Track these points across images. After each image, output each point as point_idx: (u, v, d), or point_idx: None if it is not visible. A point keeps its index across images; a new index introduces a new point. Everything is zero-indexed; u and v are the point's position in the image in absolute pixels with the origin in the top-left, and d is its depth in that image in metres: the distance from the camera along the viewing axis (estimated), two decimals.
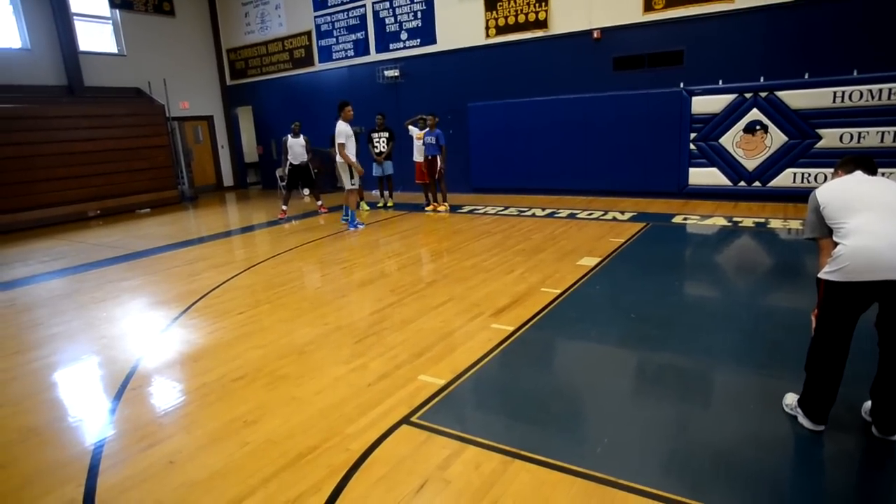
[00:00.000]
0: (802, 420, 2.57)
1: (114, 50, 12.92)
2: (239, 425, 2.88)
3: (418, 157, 9.61)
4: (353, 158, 8.07)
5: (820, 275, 2.45)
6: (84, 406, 3.27)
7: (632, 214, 8.03)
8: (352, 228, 8.23)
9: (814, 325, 2.53)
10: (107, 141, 11.53)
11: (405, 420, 2.82)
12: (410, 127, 9.83)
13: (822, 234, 2.55)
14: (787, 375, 2.94)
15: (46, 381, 3.64)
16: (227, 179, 15.64)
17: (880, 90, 7.27)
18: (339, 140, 7.99)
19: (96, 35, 12.69)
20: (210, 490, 2.35)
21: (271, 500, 2.27)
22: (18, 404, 3.30)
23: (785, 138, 7.99)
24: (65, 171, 10.90)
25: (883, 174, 7.20)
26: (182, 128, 14.22)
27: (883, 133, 7.35)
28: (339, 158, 8.14)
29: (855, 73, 7.44)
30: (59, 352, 4.14)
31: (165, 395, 3.33)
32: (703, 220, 7.40)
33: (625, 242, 6.37)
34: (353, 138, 8.12)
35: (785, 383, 2.87)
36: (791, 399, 2.68)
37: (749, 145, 8.27)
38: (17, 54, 11.21)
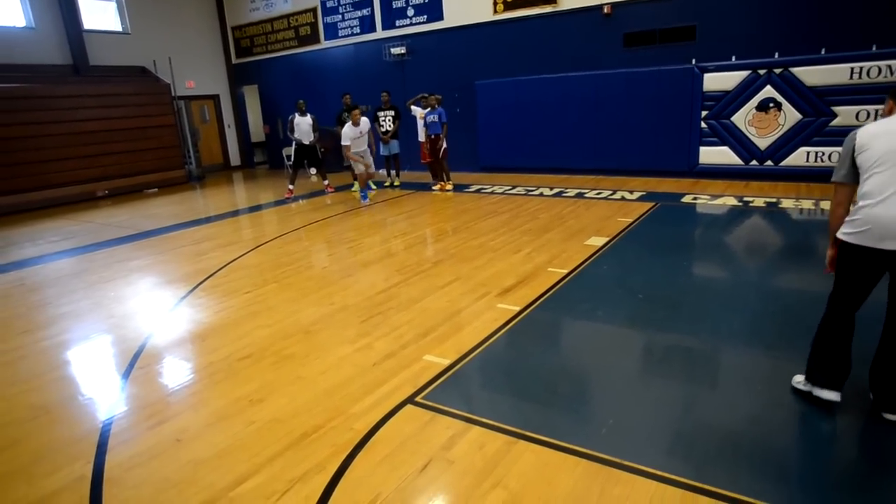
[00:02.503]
0: (818, 392, 2.49)
1: (118, 28, 12.82)
2: (245, 404, 2.90)
3: (422, 136, 9.52)
4: (358, 155, 8.69)
5: (838, 234, 2.34)
6: (93, 384, 3.30)
7: (641, 194, 7.94)
8: (365, 201, 8.75)
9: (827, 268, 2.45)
10: (113, 121, 11.50)
11: (410, 400, 2.82)
12: (413, 107, 9.70)
13: (849, 179, 2.32)
14: (796, 357, 2.90)
15: (56, 360, 3.68)
16: (234, 159, 15.60)
17: None
18: (343, 142, 8.45)
19: (100, 13, 12.57)
20: (216, 468, 2.37)
21: (276, 478, 2.28)
22: (28, 382, 3.33)
23: (799, 116, 7.83)
24: (72, 151, 10.91)
25: None
26: (188, 107, 14.15)
27: None
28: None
29: (874, 49, 7.24)
30: (68, 331, 4.17)
31: (173, 373, 3.36)
32: (713, 200, 7.31)
33: (633, 222, 6.30)
34: (361, 138, 8.60)
35: (793, 364, 2.83)
36: (800, 377, 2.65)
37: (762, 123, 8.12)
38: (21, 33, 11.15)
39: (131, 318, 4.35)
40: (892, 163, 2.15)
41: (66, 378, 3.41)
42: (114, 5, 12.74)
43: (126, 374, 3.35)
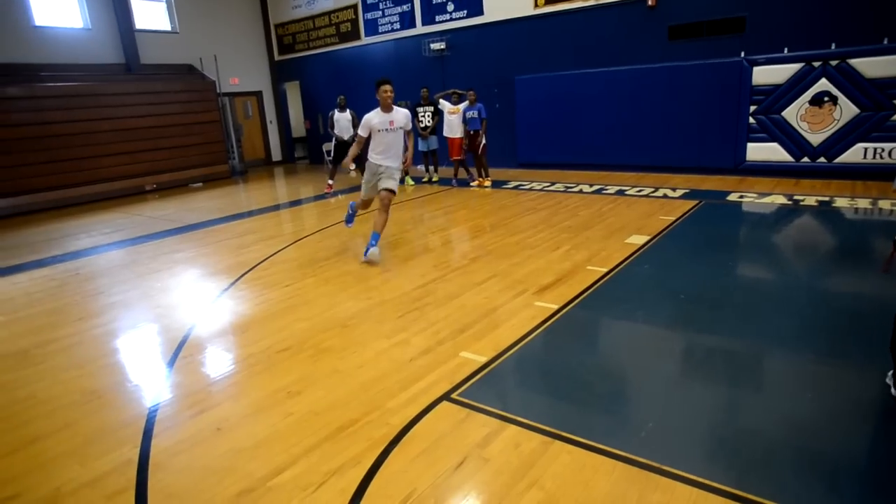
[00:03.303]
0: None
1: (167, 28, 13.23)
2: (283, 396, 2.95)
3: (449, 132, 9.43)
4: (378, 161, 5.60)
5: None
6: (140, 372, 3.42)
7: (684, 191, 7.72)
8: (349, 225, 6.42)
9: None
10: (161, 117, 11.89)
11: (445, 396, 2.82)
12: (442, 101, 9.58)
13: None
14: (849, 364, 2.77)
15: (107, 347, 3.83)
16: (276, 154, 15.93)
17: None
18: (360, 132, 5.46)
19: (151, 13, 13.01)
20: (255, 457, 2.42)
21: (313, 469, 2.31)
22: (82, 367, 3.48)
23: (856, 110, 7.46)
24: (123, 147, 11.35)
25: None
26: (232, 103, 14.51)
27: None
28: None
29: None
30: (118, 319, 4.34)
31: (215, 363, 3.45)
32: (760, 199, 7.04)
33: (676, 220, 6.13)
34: (390, 134, 6.05)
35: (846, 372, 2.70)
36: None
37: (815, 118, 7.77)
38: (78, 34, 11.64)
39: (176, 309, 4.49)
40: None
41: (116, 364, 3.55)
42: (164, 5, 13.17)
43: (171, 363, 3.46)
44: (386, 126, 5.28)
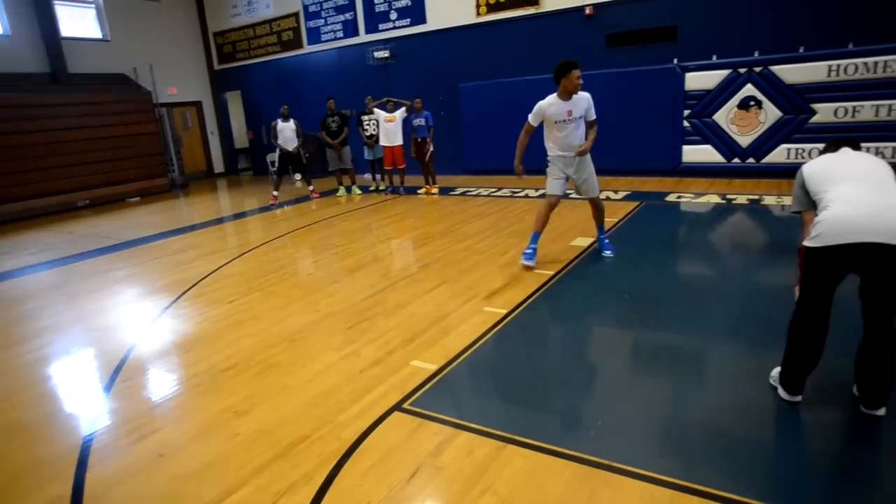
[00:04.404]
0: (780, 392, 2.60)
1: (98, 35, 12.66)
2: (229, 416, 2.85)
3: (386, 141, 9.37)
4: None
5: (802, 244, 2.46)
6: (73, 400, 3.23)
7: (625, 193, 7.98)
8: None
9: (797, 296, 2.53)
10: (94, 129, 11.34)
11: (397, 407, 2.79)
12: (377, 110, 9.47)
13: (806, 207, 2.61)
14: (781, 351, 2.91)
15: (37, 375, 3.60)
16: (218, 166, 15.47)
17: (876, 63, 7.18)
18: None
19: (79, 20, 12.42)
20: (201, 482, 2.33)
21: (262, 490, 2.24)
22: (8, 399, 3.26)
23: (779, 114, 7.92)
24: (52, 161, 10.73)
25: (877, 149, 7.18)
26: (170, 114, 14.02)
27: (878, 107, 7.28)
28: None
29: (850, 46, 7.34)
30: (48, 344, 4.09)
31: (155, 386, 3.30)
32: (697, 198, 7.36)
33: (619, 222, 6.33)
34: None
35: (779, 359, 2.84)
36: (776, 372, 2.69)
37: (743, 121, 8.20)
38: None
39: (113, 331, 4.27)
40: (833, 180, 2.44)
41: (47, 394, 3.34)
42: (93, 12, 12.59)
43: (108, 388, 3.29)
44: (564, 117, 4.76)
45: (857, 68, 7.29)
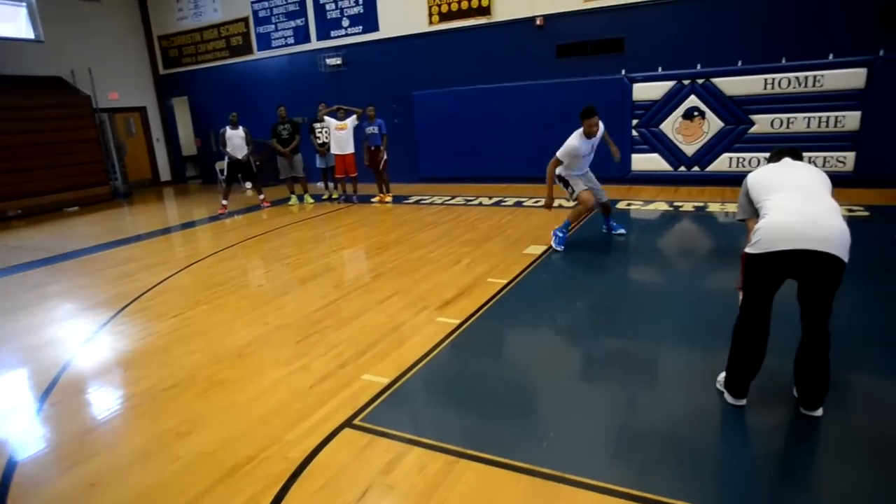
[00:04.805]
0: (726, 396, 2.67)
1: (30, 36, 12.01)
2: (170, 438, 2.71)
3: (337, 149, 9.24)
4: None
5: (744, 250, 2.54)
6: None
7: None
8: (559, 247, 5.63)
9: (740, 299, 2.61)
10: (25, 135, 10.73)
11: (347, 423, 2.72)
12: (327, 118, 9.34)
13: (750, 215, 2.70)
14: (726, 356, 2.99)
15: None
16: (164, 174, 14.93)
17: (806, 77, 7.57)
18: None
19: (8, 20, 11.75)
20: None
21: None
22: None
23: (721, 124, 8.24)
24: None
25: (810, 159, 7.56)
26: (112, 120, 13.43)
27: (809, 119, 7.67)
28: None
29: (783, 61, 7.72)
30: None
31: (89, 409, 3.11)
32: (646, 206, 7.55)
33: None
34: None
35: (725, 363, 2.91)
36: (722, 377, 2.75)
37: (688, 131, 8.49)
38: None
39: (44, 349, 4.01)
40: (773, 189, 2.53)
41: None
42: (23, 11, 11.94)
43: (37, 412, 3.07)
44: (588, 151, 5.73)
45: (790, 82, 7.68)
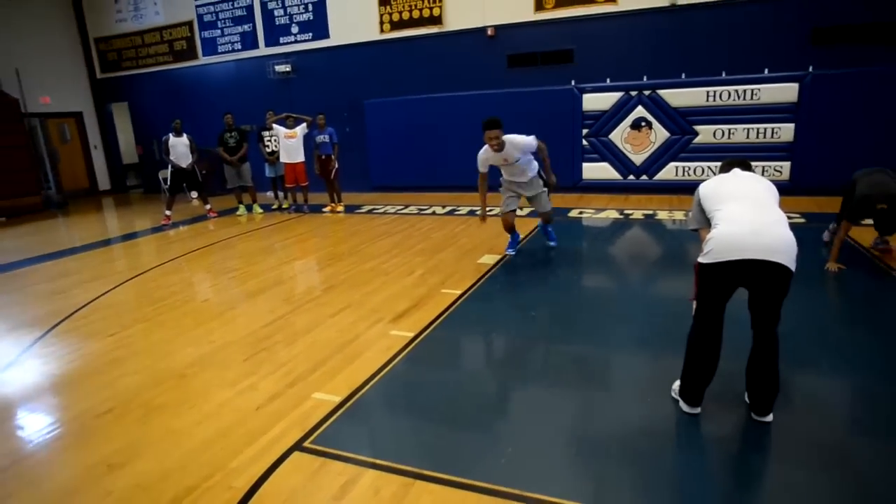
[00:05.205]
0: (681, 405, 2.68)
1: None
2: (101, 471, 2.50)
3: (287, 157, 9.03)
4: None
5: (697, 260, 2.57)
6: None
7: (530, 210, 8.12)
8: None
9: (694, 309, 2.63)
10: None
11: (297, 446, 2.58)
12: (276, 126, 9.12)
13: (703, 225, 2.75)
14: (680, 363, 3.01)
15: None
16: (103, 183, 14.22)
17: (745, 90, 7.91)
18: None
19: None
20: None
21: None
22: None
23: (667, 134, 8.49)
24: None
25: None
26: (44, 126, 12.69)
27: (748, 130, 8.00)
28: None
29: (723, 75, 8.03)
30: None
31: (7, 442, 2.84)
32: (597, 214, 7.68)
33: (524, 238, 6.44)
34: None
35: (679, 371, 2.94)
36: (677, 385, 2.77)
37: (636, 141, 8.71)
38: None
39: None
40: (723, 199, 2.58)
41: None
42: None
43: None
44: (501, 161, 5.37)
45: (730, 94, 8.00)
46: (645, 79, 8.49)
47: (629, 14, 8.56)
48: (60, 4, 13.03)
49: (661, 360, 3.26)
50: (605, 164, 9.01)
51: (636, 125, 8.63)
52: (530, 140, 5.29)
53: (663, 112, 8.43)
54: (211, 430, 2.79)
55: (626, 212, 7.66)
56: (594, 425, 2.67)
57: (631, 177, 8.89)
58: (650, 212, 7.55)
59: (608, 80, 8.76)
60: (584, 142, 9.05)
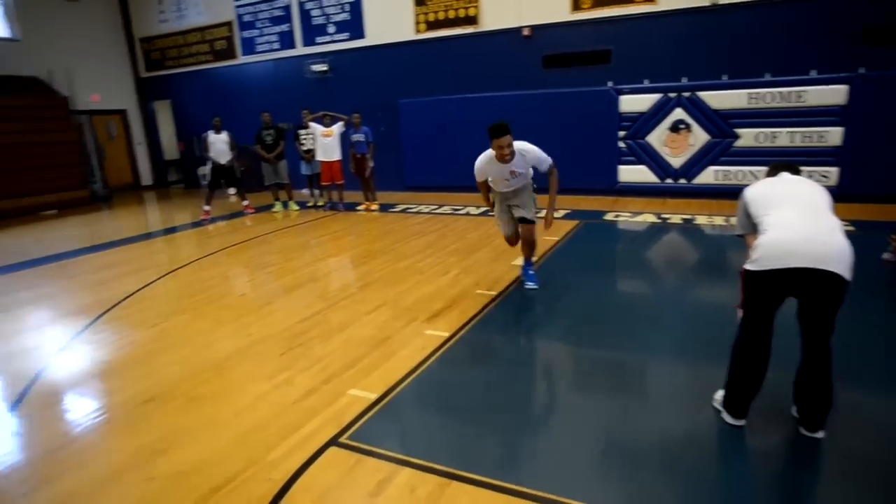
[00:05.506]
0: (725, 416, 2.60)
1: (5, 35, 11.71)
2: (146, 456, 2.58)
3: (323, 156, 9.15)
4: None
5: (744, 267, 2.48)
6: None
7: (565, 212, 8.08)
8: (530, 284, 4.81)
9: (739, 317, 2.55)
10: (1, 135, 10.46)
11: (333, 441, 2.61)
12: (313, 124, 9.23)
13: (749, 230, 2.65)
14: (722, 372, 2.94)
15: None
16: (146, 178, 14.66)
17: (789, 93, 7.66)
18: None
19: None
20: None
21: None
22: None
23: (707, 137, 8.30)
24: None
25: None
26: (92, 123, 13.15)
27: (793, 133, 7.75)
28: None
29: (767, 77, 7.80)
30: None
31: (59, 423, 2.96)
32: (633, 217, 7.55)
33: (559, 241, 6.38)
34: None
35: (720, 380, 2.87)
36: (720, 395, 2.69)
37: (675, 143, 8.53)
38: None
39: (14, 360, 3.84)
40: (773, 205, 2.48)
41: None
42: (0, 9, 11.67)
43: (2, 426, 2.92)
44: (507, 176, 4.42)
45: (773, 97, 7.76)
46: (684, 80, 8.31)
47: (668, 14, 8.39)
48: (108, 6, 13.49)
49: (702, 368, 3.19)
50: (642, 167, 8.85)
51: (675, 127, 8.46)
52: (544, 155, 4.46)
53: (703, 114, 8.24)
54: (248, 422, 2.85)
55: (663, 216, 7.51)
56: (633, 433, 2.62)
57: (669, 180, 8.72)
58: (689, 216, 7.39)
59: (646, 82, 8.61)
60: (621, 144, 8.92)
